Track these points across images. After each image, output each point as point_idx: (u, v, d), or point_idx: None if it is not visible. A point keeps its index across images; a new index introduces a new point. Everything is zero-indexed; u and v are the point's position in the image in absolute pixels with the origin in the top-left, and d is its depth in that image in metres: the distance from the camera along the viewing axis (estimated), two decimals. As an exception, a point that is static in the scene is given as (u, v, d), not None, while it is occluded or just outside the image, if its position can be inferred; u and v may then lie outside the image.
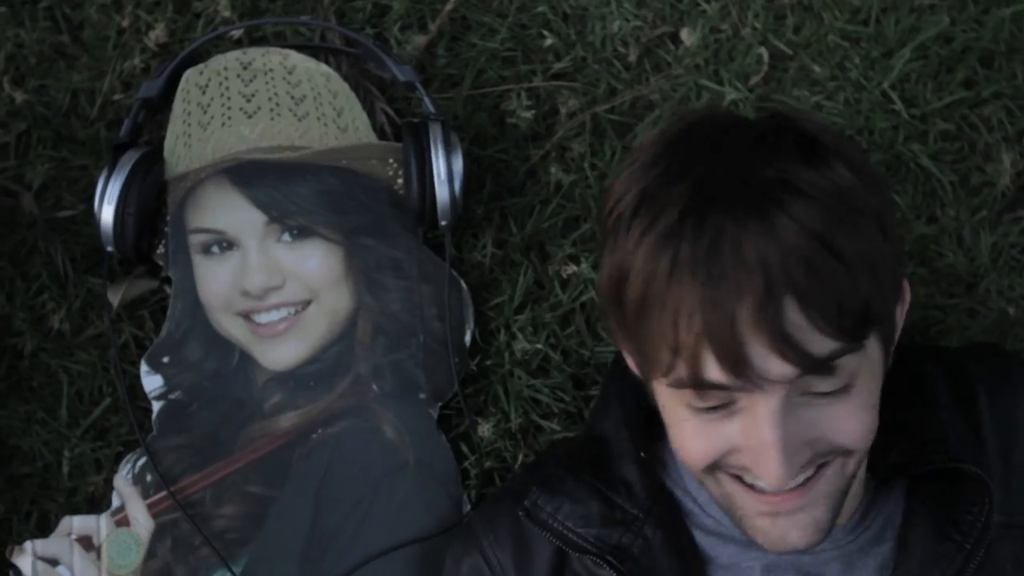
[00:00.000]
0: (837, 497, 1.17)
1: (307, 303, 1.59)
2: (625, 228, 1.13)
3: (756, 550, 1.25)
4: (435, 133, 1.57)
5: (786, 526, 1.15)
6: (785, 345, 1.06)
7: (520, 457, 1.58)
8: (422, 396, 1.58)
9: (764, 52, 1.66)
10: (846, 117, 1.63)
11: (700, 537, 1.32)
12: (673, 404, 1.19)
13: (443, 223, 1.57)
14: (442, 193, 1.56)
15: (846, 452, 1.15)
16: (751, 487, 1.17)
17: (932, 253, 1.61)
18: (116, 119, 1.67)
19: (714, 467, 1.18)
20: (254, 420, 1.57)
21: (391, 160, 1.62)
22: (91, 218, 1.59)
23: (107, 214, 1.54)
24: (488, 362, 1.61)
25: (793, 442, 1.10)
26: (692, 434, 1.17)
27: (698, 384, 1.12)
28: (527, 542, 1.35)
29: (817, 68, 1.65)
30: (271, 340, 1.58)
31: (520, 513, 1.33)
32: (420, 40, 1.70)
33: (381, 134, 1.66)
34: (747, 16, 1.67)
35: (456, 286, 1.60)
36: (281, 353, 1.58)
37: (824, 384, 1.10)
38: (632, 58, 1.69)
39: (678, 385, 1.14)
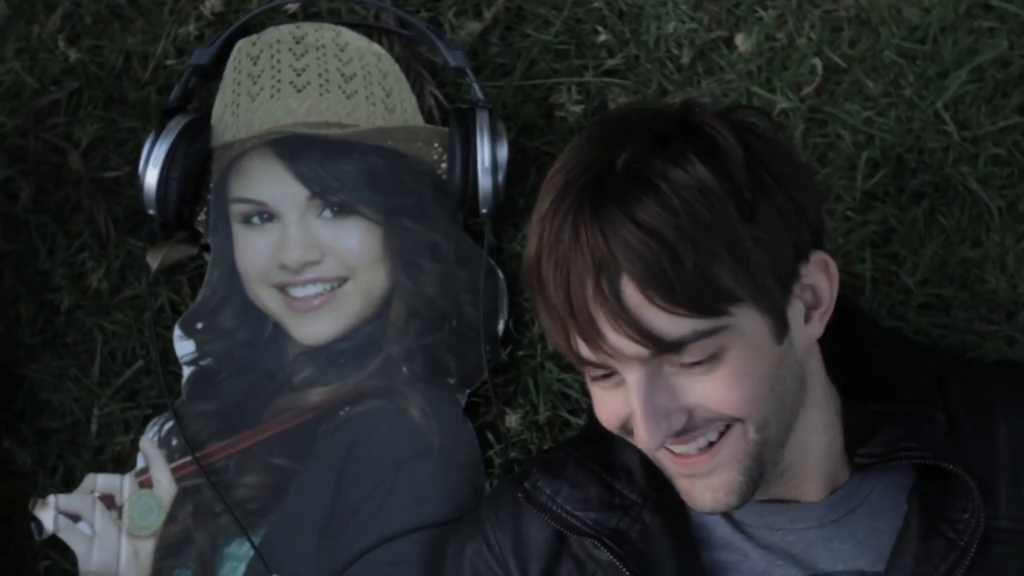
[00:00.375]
0: (748, 462, 1.21)
1: (343, 280, 1.59)
2: (537, 213, 1.21)
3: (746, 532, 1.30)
4: (482, 121, 1.57)
5: (702, 487, 1.22)
6: (628, 325, 1.13)
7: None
8: (451, 382, 1.58)
9: (818, 63, 1.66)
10: (896, 135, 1.62)
11: (697, 518, 1.33)
12: (586, 378, 1.26)
13: (484, 211, 1.57)
14: (485, 181, 1.56)
15: (738, 420, 1.20)
16: (670, 451, 1.23)
17: (974, 278, 1.61)
18: (167, 84, 1.67)
19: (624, 429, 1.24)
20: (283, 392, 1.57)
21: (436, 144, 1.62)
22: (136, 180, 1.60)
23: (151, 177, 1.55)
24: (520, 353, 1.61)
25: (661, 409, 1.16)
26: (598, 403, 1.24)
27: (578, 360, 1.20)
28: (525, 524, 1.37)
29: (870, 83, 1.65)
30: (305, 314, 1.59)
31: (519, 495, 1.35)
32: (474, 27, 1.70)
33: (428, 117, 1.66)
34: (803, 26, 1.67)
35: (493, 274, 1.60)
36: (314, 328, 1.59)
37: (686, 357, 1.15)
38: (685, 60, 1.69)
39: (575, 363, 1.22)
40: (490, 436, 1.59)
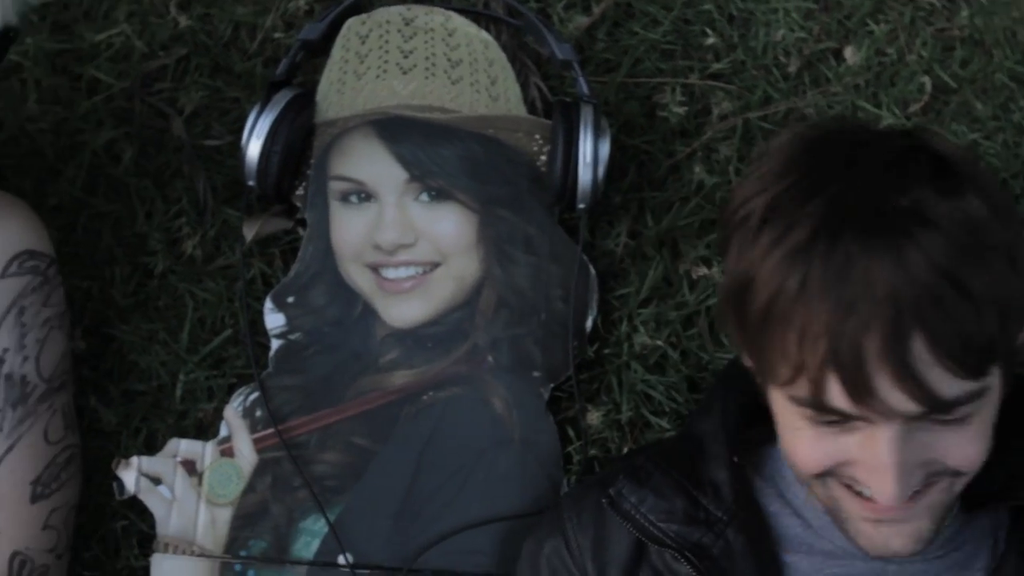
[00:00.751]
0: (940, 511, 1.17)
1: (435, 265, 1.59)
2: (752, 235, 1.12)
3: (838, 561, 1.27)
4: (586, 115, 1.56)
5: (889, 533, 1.17)
6: (912, 382, 1.06)
7: (625, 450, 1.58)
8: (536, 375, 1.58)
9: (927, 81, 1.64)
10: (1003, 159, 1.60)
11: (784, 545, 1.32)
12: (788, 412, 1.19)
13: (581, 206, 1.57)
14: (585, 176, 1.55)
15: (957, 473, 1.16)
16: (859, 494, 1.18)
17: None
18: (273, 56, 1.68)
19: (824, 474, 1.19)
20: (368, 373, 1.58)
21: (537, 136, 1.62)
22: (236, 150, 1.61)
23: (253, 149, 1.56)
24: (606, 351, 1.60)
25: (909, 465, 1.11)
26: (807, 444, 1.18)
27: (819, 407, 1.13)
28: (608, 530, 1.35)
29: (979, 105, 1.63)
30: (396, 296, 1.59)
31: (603, 500, 1.34)
32: (582, 21, 1.70)
33: (531, 108, 1.66)
34: (915, 43, 1.65)
35: (585, 270, 1.60)
36: (404, 311, 1.59)
37: (951, 415, 1.12)
38: (792, 69, 1.68)
39: (797, 402, 1.15)
40: (571, 432, 1.59)
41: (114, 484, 1.55)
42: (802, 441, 1.18)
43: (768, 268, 1.10)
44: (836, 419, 1.13)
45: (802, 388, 1.12)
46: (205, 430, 1.59)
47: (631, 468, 1.36)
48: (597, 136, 1.55)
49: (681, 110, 1.66)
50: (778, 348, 1.13)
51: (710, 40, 1.69)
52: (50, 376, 1.45)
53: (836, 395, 1.09)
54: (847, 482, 1.18)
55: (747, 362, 1.26)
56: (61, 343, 1.47)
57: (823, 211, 1.08)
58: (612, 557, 1.34)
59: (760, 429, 1.33)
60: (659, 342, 1.60)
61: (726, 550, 1.29)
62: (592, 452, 1.58)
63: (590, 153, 1.55)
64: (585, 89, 1.60)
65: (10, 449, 1.42)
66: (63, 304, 1.49)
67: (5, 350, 1.41)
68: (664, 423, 1.58)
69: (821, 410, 1.12)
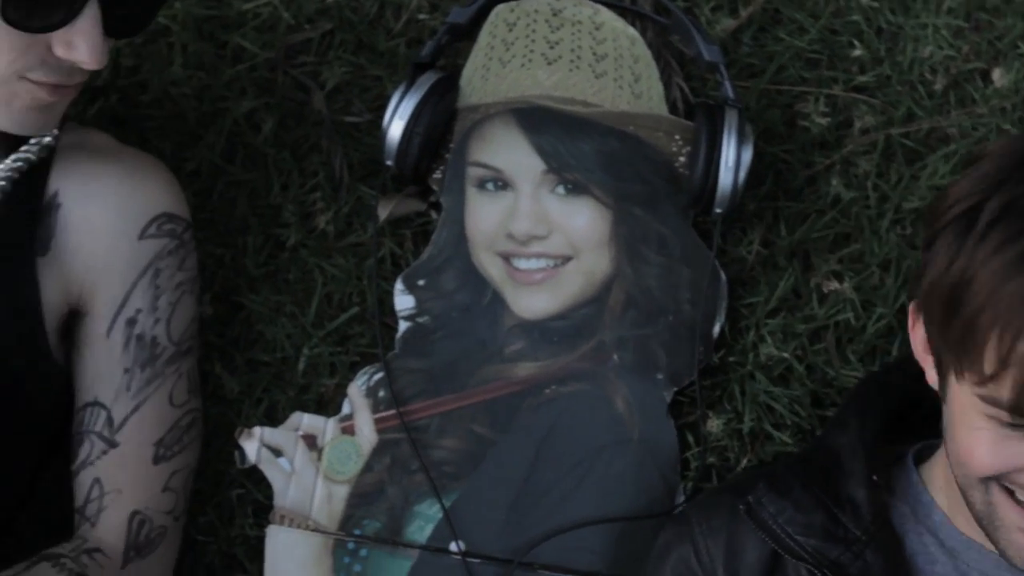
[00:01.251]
0: None
1: (567, 259, 1.59)
2: (979, 235, 1.13)
3: None
4: (731, 119, 1.55)
5: None
6: None
7: (744, 461, 1.57)
8: (659, 377, 1.57)
9: (1080, 109, 1.62)
10: None
11: (920, 567, 1.31)
12: (970, 410, 1.18)
13: (718, 211, 1.56)
14: (725, 181, 1.54)
15: None
16: (1019, 503, 1.18)
17: None
18: (417, 38, 1.68)
19: (991, 478, 1.19)
20: (492, 361, 1.57)
21: (677, 136, 1.61)
22: (375, 128, 1.61)
23: (395, 129, 1.56)
24: (731, 359, 1.59)
25: None
26: (985, 445, 1.17)
27: (1016, 409, 1.13)
28: (741, 538, 1.34)
29: None
30: (526, 287, 1.58)
31: (741, 507, 1.32)
32: (729, 23, 1.69)
33: (672, 108, 1.65)
34: (1068, 69, 1.63)
35: (715, 276, 1.59)
36: (533, 302, 1.58)
37: None
38: (938, 87, 1.66)
39: (991, 402, 1.15)
40: (690, 437, 1.58)
41: (235, 452, 1.55)
42: (981, 442, 1.18)
43: (992, 268, 1.11)
44: None
45: (1004, 390, 1.12)
46: (325, 405, 1.60)
47: (771, 478, 1.35)
48: (741, 141, 1.54)
49: (823, 121, 1.64)
50: (988, 345, 1.13)
51: (856, 52, 1.67)
52: (179, 339, 1.46)
53: None
54: (1012, 488, 1.18)
55: (924, 356, 1.26)
56: (191, 308, 1.47)
57: None
58: (745, 567, 1.33)
59: (892, 449, 1.33)
60: (785, 354, 1.58)
61: (864, 570, 1.28)
62: (710, 459, 1.57)
63: (732, 158, 1.54)
64: (730, 93, 1.59)
65: (136, 409, 1.43)
66: (195, 269, 1.50)
67: (138, 311, 1.42)
68: (785, 436, 1.57)
69: (1017, 412, 1.13)
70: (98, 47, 1.28)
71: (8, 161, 1.39)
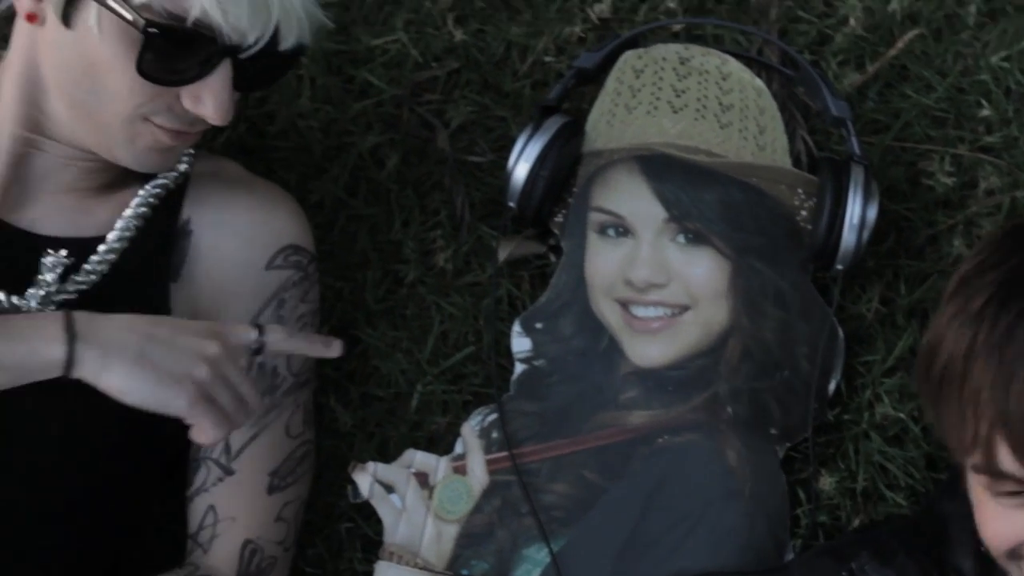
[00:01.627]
0: None
1: (685, 308, 1.58)
2: (944, 307, 1.17)
3: None
4: (857, 176, 1.54)
5: None
6: None
7: (856, 520, 1.55)
8: (773, 432, 1.56)
9: None
10: None
11: None
12: (975, 486, 1.19)
13: (839, 267, 1.55)
14: (849, 238, 1.53)
15: None
16: None
17: None
18: (542, 80, 1.69)
19: (1015, 554, 1.17)
20: (607, 408, 1.57)
21: (800, 190, 1.60)
22: (497, 169, 1.62)
23: (520, 171, 1.56)
24: (845, 416, 1.58)
25: None
26: (990, 519, 1.18)
27: (991, 472, 1.13)
28: None
29: None
30: (642, 335, 1.58)
31: (843, 574, 1.31)
32: (856, 78, 1.68)
33: (795, 162, 1.64)
34: None
35: (833, 332, 1.57)
36: (649, 351, 1.58)
37: None
38: (1066, 150, 1.64)
39: (975, 470, 1.16)
40: (801, 494, 1.57)
41: (348, 487, 1.56)
42: (986, 516, 1.19)
43: (949, 336, 1.15)
44: (1014, 490, 1.14)
45: (977, 455, 1.14)
46: (436, 443, 1.60)
47: (875, 544, 1.34)
48: (866, 199, 1.53)
49: (948, 180, 1.63)
50: (955, 412, 1.15)
51: (984, 112, 1.66)
52: (298, 371, 1.47)
53: (1006, 458, 1.11)
54: None
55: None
56: None
57: (1000, 279, 1.13)
58: None
59: None
60: (902, 414, 1.57)
61: None
62: (821, 517, 1.56)
63: (857, 215, 1.53)
64: (856, 148, 1.58)
65: (253, 438, 1.44)
66: (317, 302, 1.51)
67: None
68: (899, 498, 1.55)
69: (994, 476, 1.13)
70: (225, 104, 1.30)
71: (148, 187, 1.41)
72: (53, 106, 1.34)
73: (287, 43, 1.30)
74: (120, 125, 1.31)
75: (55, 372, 1.20)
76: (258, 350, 1.31)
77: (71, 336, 1.20)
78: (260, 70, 1.33)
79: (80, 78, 1.30)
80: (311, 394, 1.51)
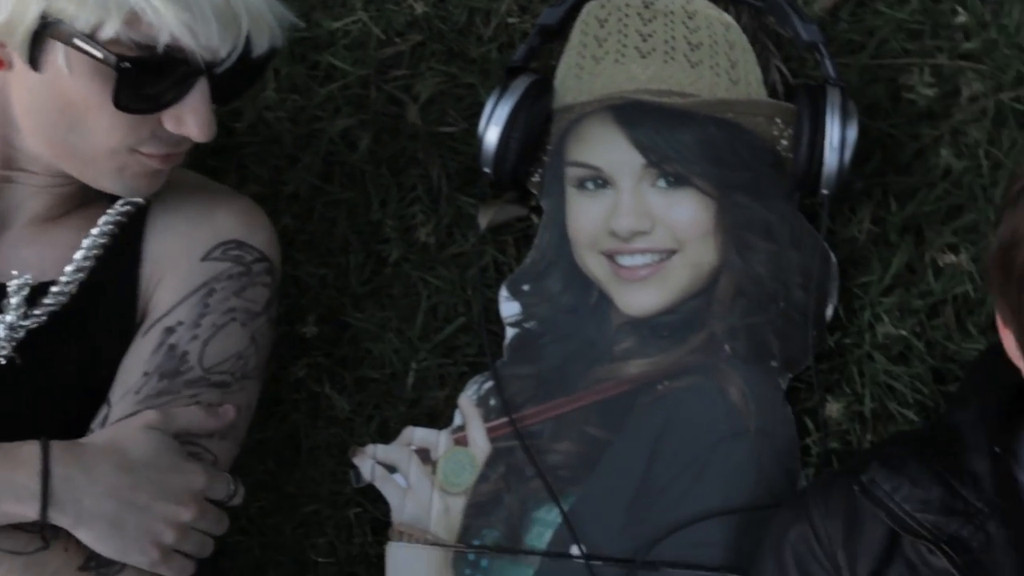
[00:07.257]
0: None
1: (672, 252, 1.56)
2: (1015, 205, 1.14)
3: None
4: (833, 99, 1.51)
5: None
6: None
7: (867, 443, 1.52)
8: (774, 364, 1.53)
9: None
10: None
11: None
12: None
13: (824, 192, 1.52)
14: (831, 161, 1.50)
15: None
16: None
17: None
18: (508, 42, 1.66)
19: None
20: (602, 362, 1.55)
21: (778, 120, 1.57)
22: (471, 137, 1.60)
23: (492, 135, 1.54)
24: (846, 340, 1.55)
25: None
26: None
27: None
28: (860, 518, 1.30)
29: None
30: (631, 284, 1.56)
31: (855, 487, 1.29)
32: (826, 1, 1.64)
33: (771, 92, 1.61)
34: None
35: (825, 258, 1.54)
36: (639, 299, 1.56)
37: None
38: (1049, 46, 1.59)
39: None
40: (809, 423, 1.54)
41: (350, 472, 1.55)
42: None
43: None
44: None
45: None
46: (436, 418, 1.59)
47: (884, 455, 1.31)
48: (845, 120, 1.50)
49: (929, 92, 1.59)
50: None
51: (960, 19, 1.61)
52: (210, 366, 1.35)
53: None
54: None
55: (1008, 340, 1.21)
56: (238, 340, 1.37)
57: None
58: (864, 547, 1.29)
59: (1016, 421, 1.29)
60: (903, 332, 1.54)
61: (986, 544, 1.24)
62: (832, 444, 1.53)
63: (837, 137, 1.50)
64: (832, 71, 1.54)
65: (132, 416, 1.31)
66: (260, 306, 1.40)
67: (179, 322, 1.36)
68: (910, 414, 1.52)
69: None
70: (207, 121, 1.29)
71: (117, 206, 1.40)
72: (29, 143, 1.33)
73: (260, 49, 1.29)
74: (105, 158, 1.31)
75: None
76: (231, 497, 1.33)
77: (44, 503, 1.22)
78: (236, 79, 1.31)
79: (57, 119, 1.29)
80: (222, 401, 1.36)
